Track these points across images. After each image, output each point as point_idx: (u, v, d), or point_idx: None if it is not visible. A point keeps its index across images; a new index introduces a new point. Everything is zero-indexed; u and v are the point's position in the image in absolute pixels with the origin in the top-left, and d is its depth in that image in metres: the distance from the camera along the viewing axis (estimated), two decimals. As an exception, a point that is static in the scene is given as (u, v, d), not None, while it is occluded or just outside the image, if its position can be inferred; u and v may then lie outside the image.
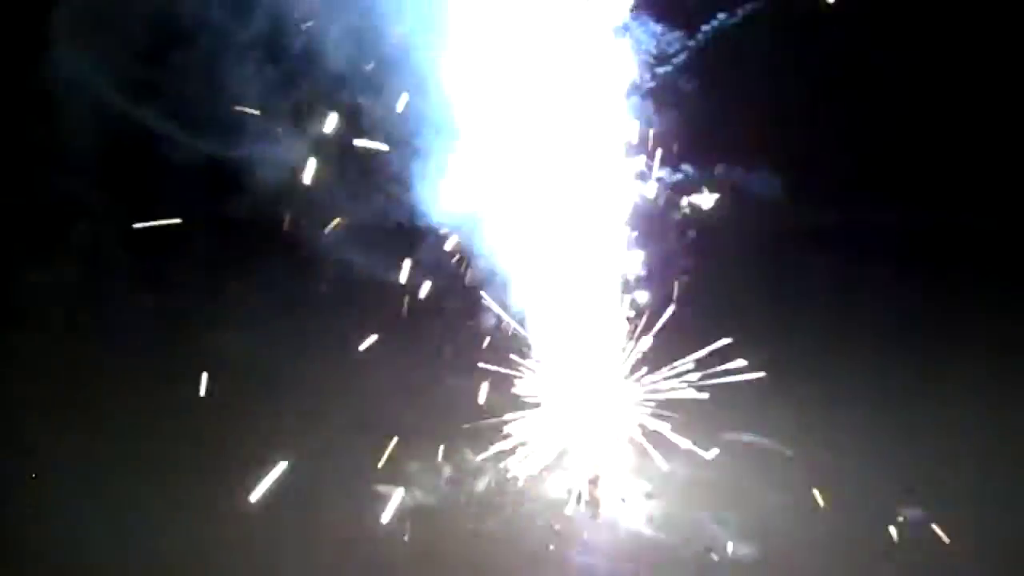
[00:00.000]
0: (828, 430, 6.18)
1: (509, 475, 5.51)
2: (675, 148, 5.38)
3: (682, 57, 5.17)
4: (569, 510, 5.22)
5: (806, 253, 9.09)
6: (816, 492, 5.44)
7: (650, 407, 5.84)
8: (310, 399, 6.30)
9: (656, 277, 5.59)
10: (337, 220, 5.93)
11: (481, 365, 5.79)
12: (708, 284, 7.48)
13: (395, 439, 5.71)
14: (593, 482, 5.34)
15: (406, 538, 4.76)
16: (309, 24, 5.16)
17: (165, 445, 5.61)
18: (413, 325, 6.25)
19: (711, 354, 7.05)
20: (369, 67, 5.09)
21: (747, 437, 6.08)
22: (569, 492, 5.38)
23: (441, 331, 6.15)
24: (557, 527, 5.07)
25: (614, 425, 5.61)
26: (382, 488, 5.36)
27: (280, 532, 4.87)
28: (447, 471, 5.54)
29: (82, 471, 5.12)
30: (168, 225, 6.40)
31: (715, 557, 4.82)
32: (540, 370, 5.67)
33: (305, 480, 5.39)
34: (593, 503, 5.28)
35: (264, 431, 5.84)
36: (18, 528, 4.73)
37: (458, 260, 5.54)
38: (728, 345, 7.15)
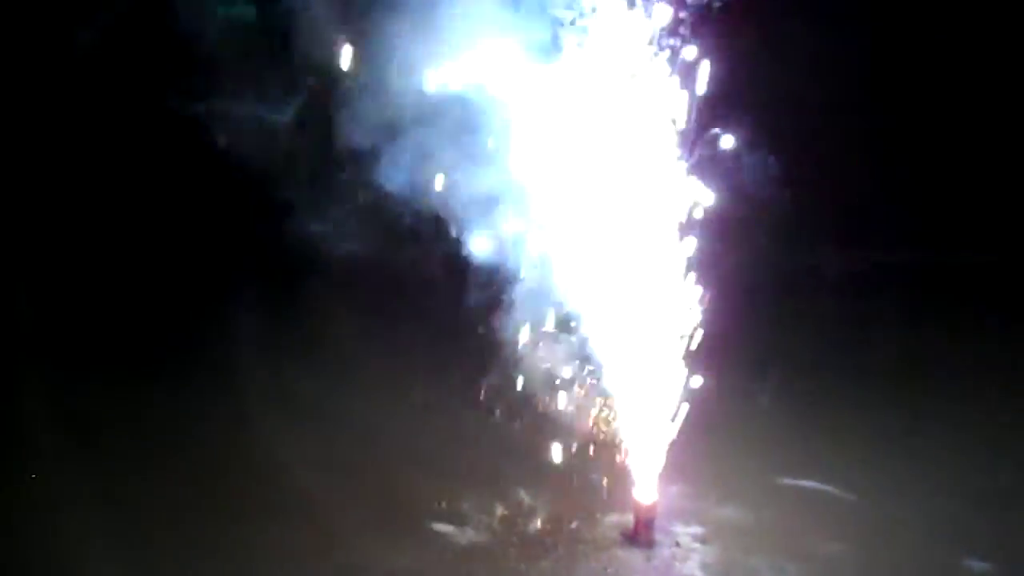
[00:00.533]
0: (893, 479, 6.02)
1: (562, 516, 5.51)
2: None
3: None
4: (622, 554, 5.18)
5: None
6: (878, 542, 5.29)
7: (706, 449, 5.80)
8: (364, 438, 6.43)
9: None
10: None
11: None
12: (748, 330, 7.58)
13: (450, 479, 5.79)
14: (647, 524, 5.30)
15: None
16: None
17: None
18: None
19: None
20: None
21: (806, 483, 5.96)
22: (623, 535, 5.35)
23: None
24: (610, 570, 5.03)
25: (669, 468, 5.56)
26: (437, 526, 5.42)
27: (332, 566, 4.94)
28: (500, 511, 5.57)
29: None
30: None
31: (773, 605, 4.72)
32: (595, 412, 5.68)
33: (361, 515, 5.49)
34: (647, 545, 5.23)
35: (316, 462, 5.98)
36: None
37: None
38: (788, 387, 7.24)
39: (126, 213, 8.91)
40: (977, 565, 5.08)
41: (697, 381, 5.41)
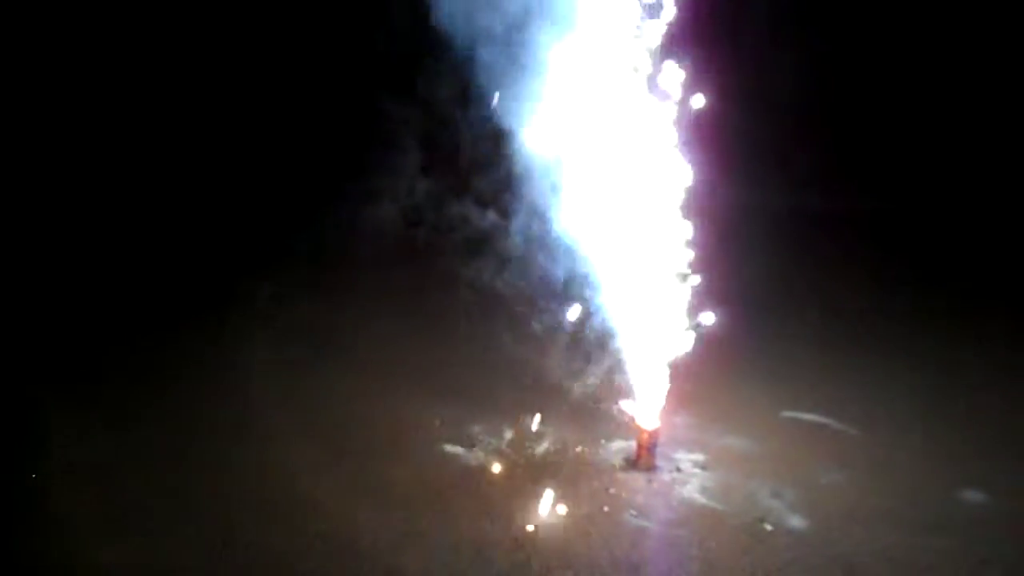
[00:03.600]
0: (892, 413, 6.15)
1: (568, 441, 5.71)
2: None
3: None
4: (624, 477, 5.38)
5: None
6: (875, 472, 5.44)
7: (710, 379, 5.94)
8: (385, 366, 6.67)
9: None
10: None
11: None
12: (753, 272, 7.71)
13: (464, 406, 6.01)
14: (650, 449, 5.48)
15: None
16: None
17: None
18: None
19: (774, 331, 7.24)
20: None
21: (808, 416, 6.11)
22: (626, 459, 5.54)
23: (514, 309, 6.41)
24: (612, 491, 5.23)
25: (674, 399, 5.72)
26: (448, 448, 5.65)
27: (347, 483, 5.19)
28: (509, 435, 5.79)
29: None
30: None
31: (768, 527, 4.89)
32: (605, 342, 5.81)
33: (373, 436, 5.73)
34: (649, 469, 5.43)
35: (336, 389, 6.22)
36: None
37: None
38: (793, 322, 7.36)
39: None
40: (973, 495, 5.20)
41: (705, 316, 5.52)
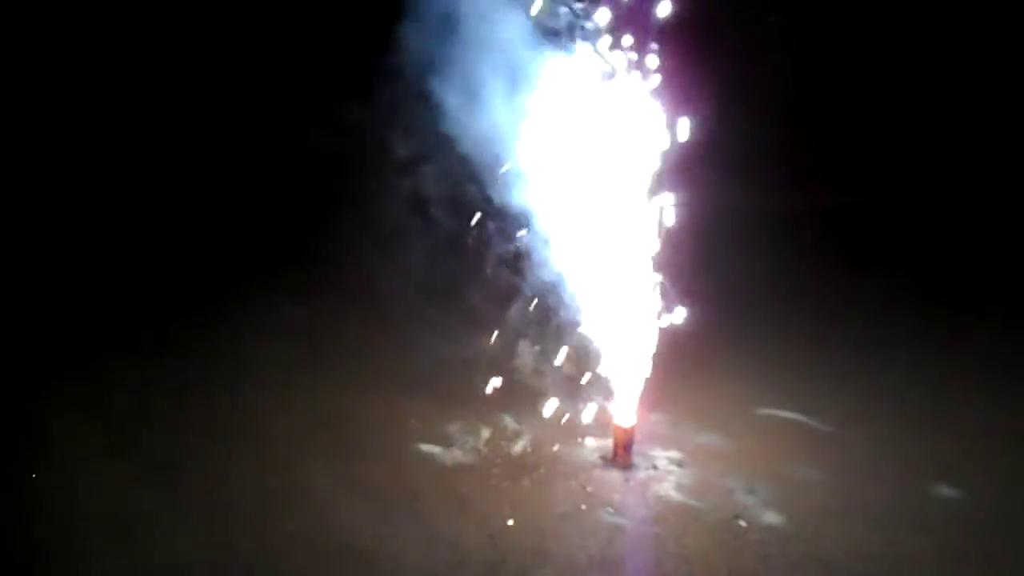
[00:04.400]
0: (868, 411, 6.19)
1: (545, 440, 5.69)
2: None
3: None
4: (601, 474, 5.37)
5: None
6: (850, 469, 5.46)
7: (687, 377, 5.95)
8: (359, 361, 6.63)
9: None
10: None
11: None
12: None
13: (440, 403, 5.98)
14: (626, 447, 5.48)
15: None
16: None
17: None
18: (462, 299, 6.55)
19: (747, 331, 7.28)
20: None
21: (785, 413, 6.13)
22: (603, 458, 5.53)
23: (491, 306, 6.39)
24: (589, 488, 5.22)
25: (651, 397, 5.72)
26: (423, 447, 5.62)
27: (321, 482, 5.15)
28: (485, 434, 5.76)
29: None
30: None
31: (743, 523, 4.90)
32: (582, 343, 5.80)
33: (346, 435, 5.69)
34: (625, 467, 5.42)
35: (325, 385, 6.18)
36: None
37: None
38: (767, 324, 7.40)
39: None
40: (947, 491, 5.23)
41: (679, 314, 5.52)
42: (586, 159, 5.22)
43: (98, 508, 4.84)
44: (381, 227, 6.68)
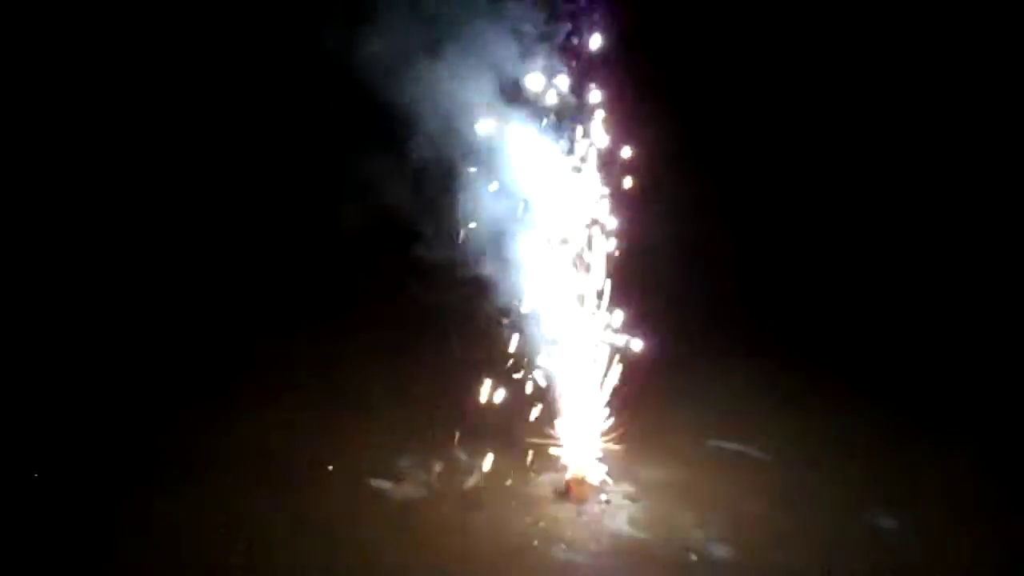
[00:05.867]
0: (811, 441, 6.35)
1: (498, 474, 5.69)
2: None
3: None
4: (554, 509, 5.39)
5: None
6: (794, 500, 5.60)
7: (636, 415, 6.02)
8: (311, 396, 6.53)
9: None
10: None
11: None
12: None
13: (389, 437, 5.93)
14: (579, 483, 5.51)
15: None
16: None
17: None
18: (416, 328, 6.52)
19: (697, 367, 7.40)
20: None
21: (731, 445, 6.25)
22: (555, 492, 5.55)
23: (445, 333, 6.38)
24: (541, 524, 5.23)
25: (601, 430, 5.78)
26: (373, 482, 5.55)
27: (266, 514, 5.05)
28: (437, 468, 5.73)
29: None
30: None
31: (693, 557, 4.98)
32: (534, 379, 5.83)
33: (296, 469, 5.59)
34: (578, 502, 5.45)
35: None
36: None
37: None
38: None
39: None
40: (886, 521, 5.40)
41: (630, 347, 5.62)
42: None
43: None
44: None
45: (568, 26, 5.32)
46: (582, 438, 5.52)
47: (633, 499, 5.52)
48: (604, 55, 5.42)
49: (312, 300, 7.87)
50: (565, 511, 5.36)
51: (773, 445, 6.20)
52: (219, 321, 7.56)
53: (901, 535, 5.27)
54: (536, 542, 5.03)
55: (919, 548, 5.13)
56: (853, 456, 6.10)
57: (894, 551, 5.10)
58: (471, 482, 5.59)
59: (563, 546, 5.01)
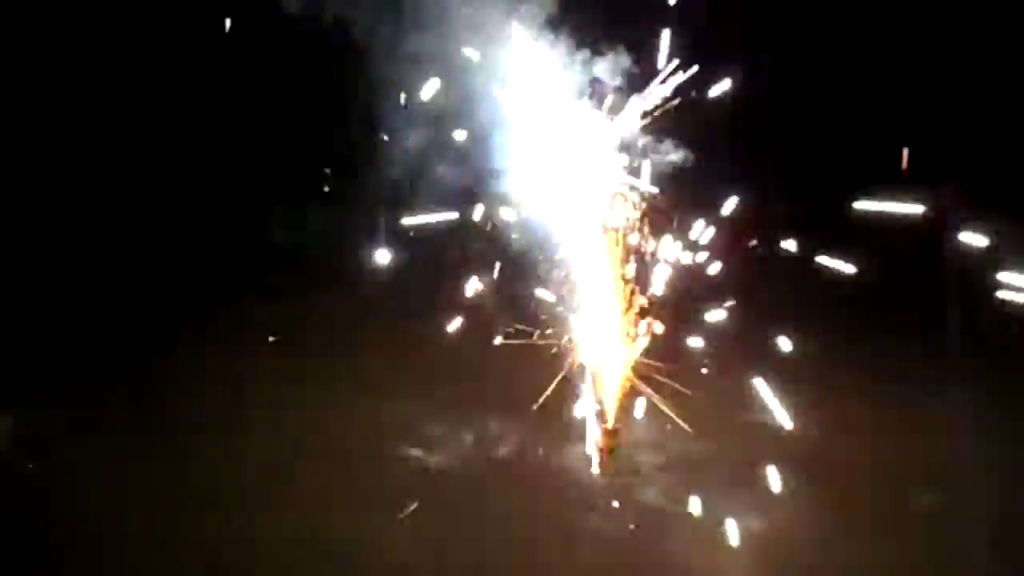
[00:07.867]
0: (849, 417, 6.22)
1: (531, 444, 5.73)
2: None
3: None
4: (585, 477, 5.42)
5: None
6: (829, 473, 5.53)
7: (671, 386, 5.99)
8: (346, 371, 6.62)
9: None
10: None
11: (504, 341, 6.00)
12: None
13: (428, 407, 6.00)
14: (610, 452, 5.53)
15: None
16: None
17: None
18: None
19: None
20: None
21: (765, 419, 6.17)
22: (587, 462, 5.57)
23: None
24: (573, 494, 5.27)
25: (635, 402, 5.77)
26: (411, 451, 5.65)
27: (311, 486, 5.18)
28: (469, 438, 5.79)
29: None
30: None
31: (724, 529, 4.98)
32: (567, 347, 5.83)
33: (332, 441, 5.71)
34: (609, 471, 5.47)
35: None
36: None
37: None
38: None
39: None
40: (924, 496, 5.30)
41: (658, 327, 5.60)
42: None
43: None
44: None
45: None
46: (614, 410, 5.51)
47: (663, 470, 5.53)
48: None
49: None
50: (596, 481, 5.38)
51: (815, 420, 6.06)
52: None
53: (938, 510, 5.16)
54: (566, 511, 5.09)
55: (957, 524, 5.02)
56: (894, 434, 5.96)
57: (931, 528, 5.00)
58: (503, 452, 5.64)
59: (593, 515, 5.05)
